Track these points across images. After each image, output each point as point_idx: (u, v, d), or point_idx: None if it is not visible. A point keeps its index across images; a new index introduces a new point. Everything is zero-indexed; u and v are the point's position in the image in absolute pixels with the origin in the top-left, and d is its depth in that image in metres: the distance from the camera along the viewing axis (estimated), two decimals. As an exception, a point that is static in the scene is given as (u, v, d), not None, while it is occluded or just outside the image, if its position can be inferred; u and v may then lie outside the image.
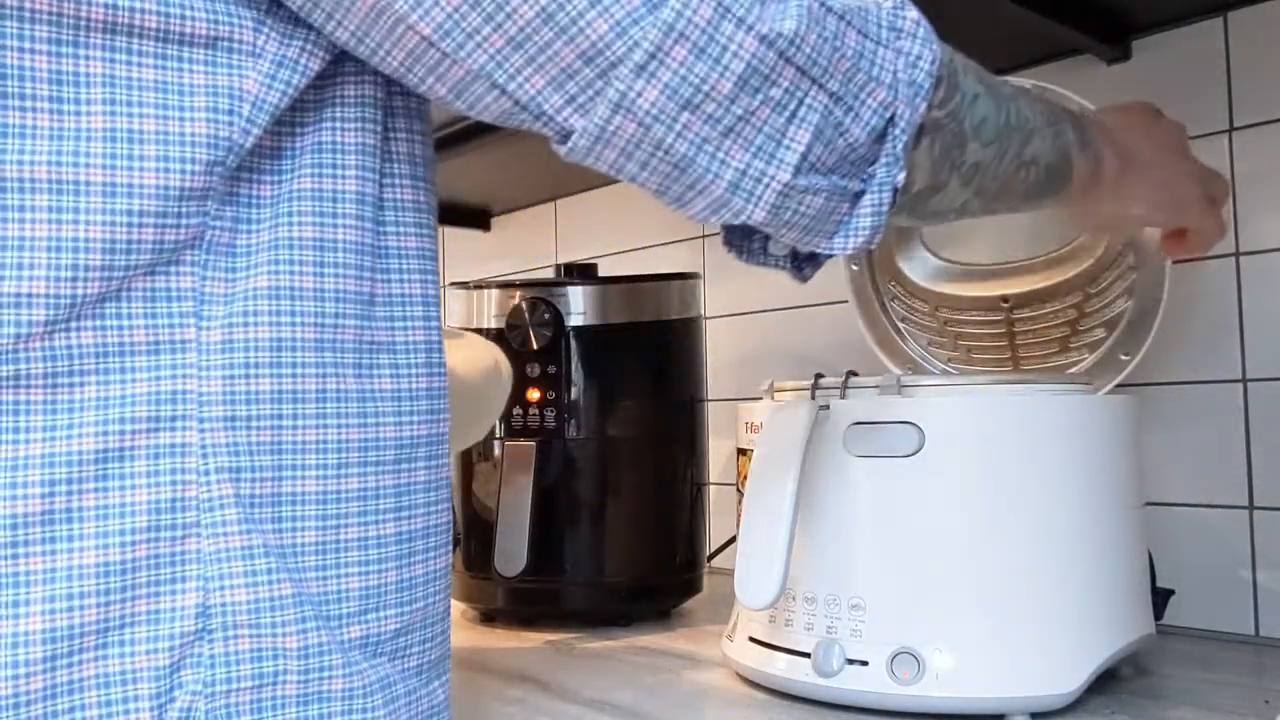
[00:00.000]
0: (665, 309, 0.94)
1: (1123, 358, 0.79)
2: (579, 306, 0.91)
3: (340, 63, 0.45)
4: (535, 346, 0.90)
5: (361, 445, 0.46)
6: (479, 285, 0.95)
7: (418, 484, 0.49)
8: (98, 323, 0.40)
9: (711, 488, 1.15)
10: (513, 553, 0.86)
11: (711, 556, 1.04)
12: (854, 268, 0.94)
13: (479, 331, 0.92)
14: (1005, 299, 0.86)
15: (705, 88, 0.42)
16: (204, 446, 0.42)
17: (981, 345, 0.88)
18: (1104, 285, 0.81)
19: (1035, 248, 0.85)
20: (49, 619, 0.39)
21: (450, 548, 0.52)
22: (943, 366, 0.90)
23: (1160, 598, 0.78)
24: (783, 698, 0.66)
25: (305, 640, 0.44)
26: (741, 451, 0.76)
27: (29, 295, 0.39)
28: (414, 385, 0.48)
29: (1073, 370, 0.83)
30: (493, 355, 0.77)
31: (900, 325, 0.92)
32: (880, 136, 0.46)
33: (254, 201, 0.44)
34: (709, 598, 0.98)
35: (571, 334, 0.91)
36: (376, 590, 0.47)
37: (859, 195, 0.47)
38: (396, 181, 0.48)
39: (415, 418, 0.48)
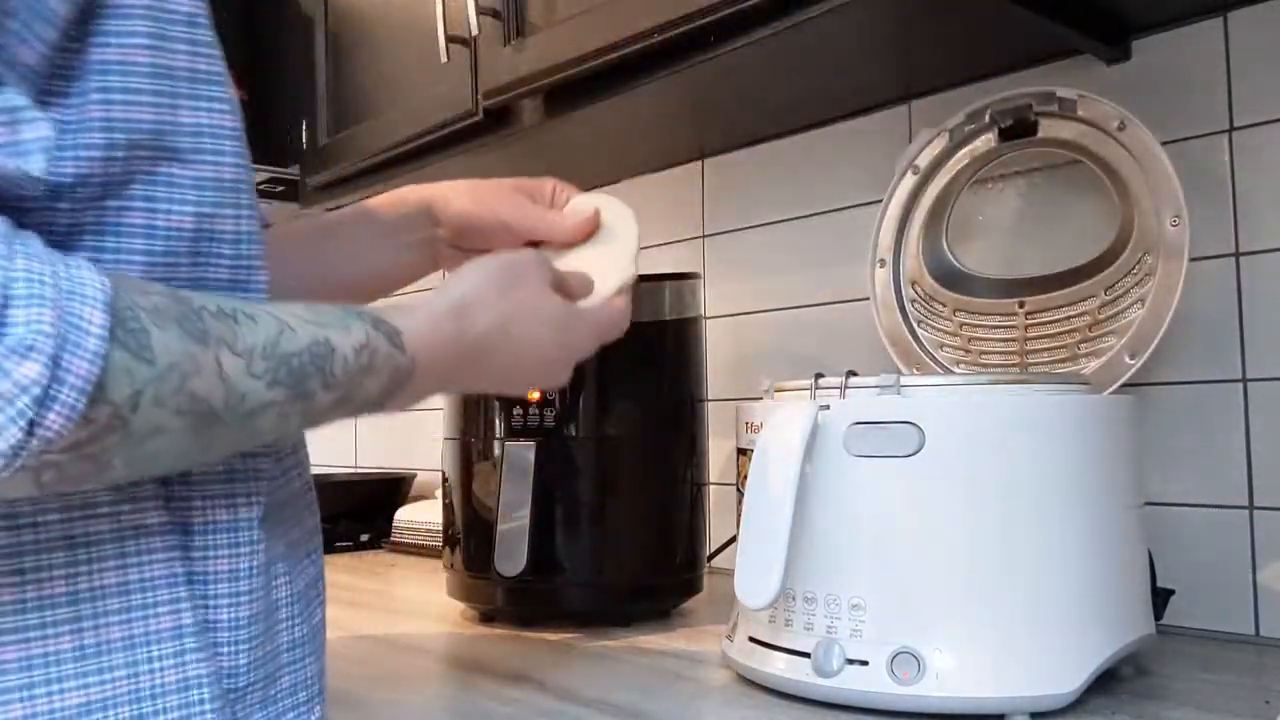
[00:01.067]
0: (665, 309, 0.94)
1: (1128, 360, 0.79)
2: (579, 306, 0.91)
3: None
4: (535, 346, 0.90)
5: None
6: (479, 285, 0.95)
7: (103, 534, 0.42)
8: None
9: (711, 488, 1.15)
10: (513, 553, 0.86)
11: (711, 556, 1.04)
12: (880, 267, 0.94)
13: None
14: (1022, 304, 0.86)
15: None
16: None
17: (993, 350, 0.88)
18: (1120, 293, 0.81)
19: (1055, 260, 0.86)
20: None
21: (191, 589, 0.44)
22: (949, 369, 0.90)
23: (1160, 598, 0.78)
24: (783, 698, 0.66)
25: None
26: (741, 451, 0.76)
27: None
28: None
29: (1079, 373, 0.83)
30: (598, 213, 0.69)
31: (917, 327, 0.92)
32: None
33: None
34: (709, 598, 0.98)
35: (571, 334, 0.91)
36: (41, 661, 0.40)
37: None
38: None
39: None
